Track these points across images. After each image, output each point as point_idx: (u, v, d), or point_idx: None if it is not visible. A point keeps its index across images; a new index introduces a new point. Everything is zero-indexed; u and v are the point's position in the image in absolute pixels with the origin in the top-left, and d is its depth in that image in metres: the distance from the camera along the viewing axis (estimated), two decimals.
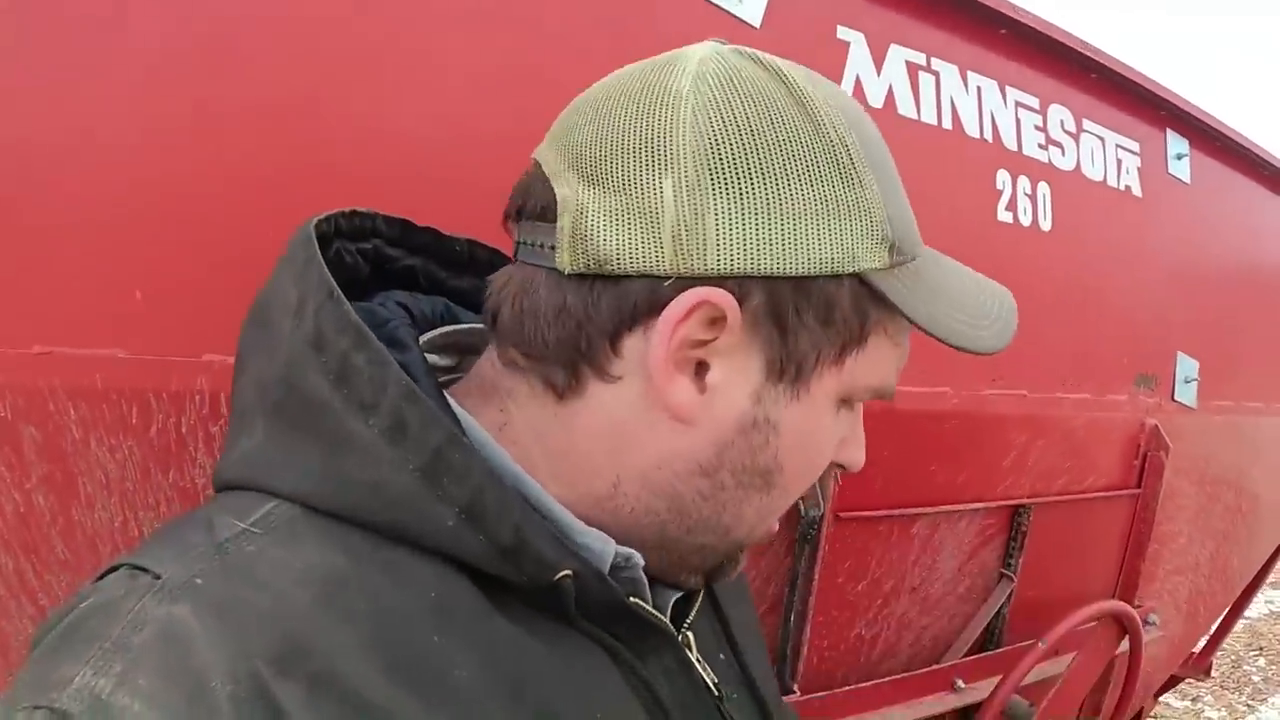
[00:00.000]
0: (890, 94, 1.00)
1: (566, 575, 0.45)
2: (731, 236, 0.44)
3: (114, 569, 0.42)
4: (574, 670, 0.47)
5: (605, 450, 0.48)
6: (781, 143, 0.45)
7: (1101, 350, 1.24)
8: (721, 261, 0.44)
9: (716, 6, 0.88)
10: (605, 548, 0.48)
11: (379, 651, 0.40)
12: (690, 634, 0.56)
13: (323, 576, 0.41)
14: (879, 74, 0.98)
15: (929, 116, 1.03)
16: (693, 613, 0.56)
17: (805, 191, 0.45)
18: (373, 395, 0.44)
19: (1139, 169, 1.28)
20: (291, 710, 0.36)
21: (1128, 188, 1.27)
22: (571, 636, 0.47)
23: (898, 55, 1.00)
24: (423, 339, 0.54)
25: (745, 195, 0.44)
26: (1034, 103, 1.14)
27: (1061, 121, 1.18)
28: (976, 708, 1.05)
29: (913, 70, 1.01)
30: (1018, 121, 1.12)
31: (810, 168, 0.45)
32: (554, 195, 0.46)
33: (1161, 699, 3.08)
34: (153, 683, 0.35)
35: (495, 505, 0.44)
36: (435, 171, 0.78)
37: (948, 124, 1.05)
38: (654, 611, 0.51)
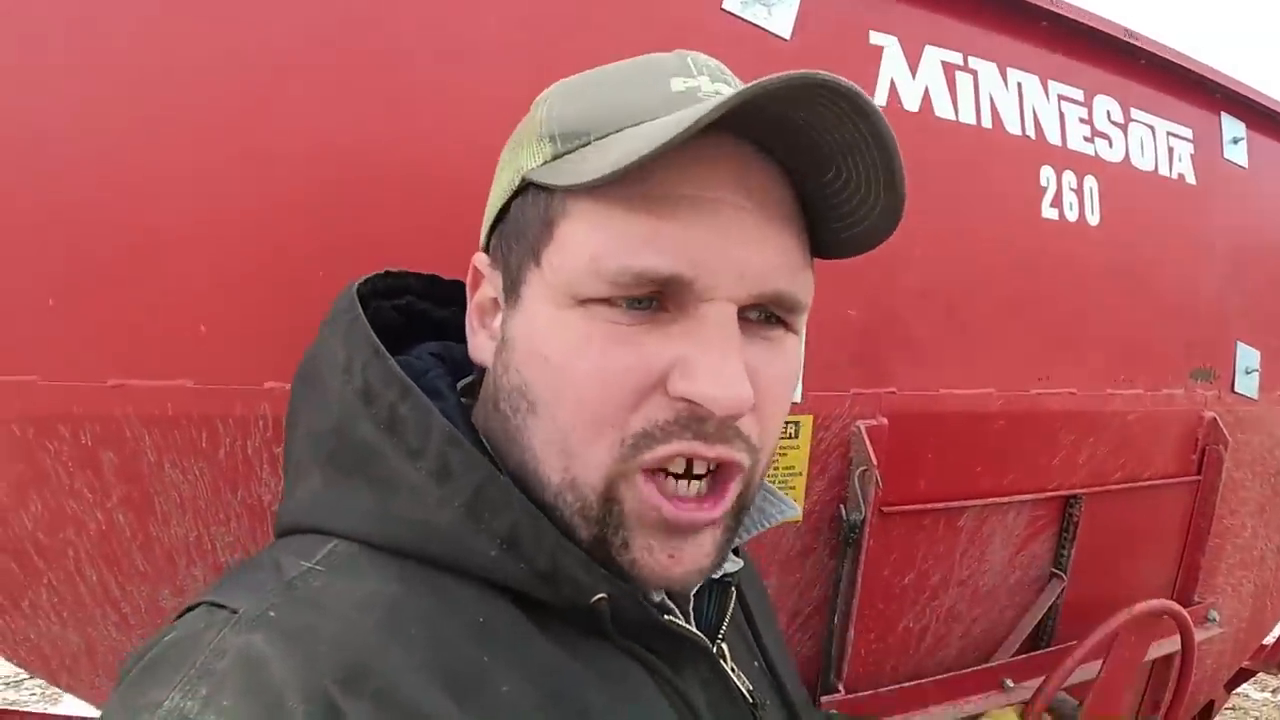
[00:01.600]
0: (926, 96, 0.99)
1: (602, 598, 0.48)
2: (487, 208, 0.55)
3: (193, 608, 0.46)
4: (612, 683, 0.49)
5: None
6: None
7: (1155, 344, 1.22)
8: (484, 231, 0.55)
9: (746, 22, 0.89)
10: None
11: (433, 670, 0.43)
12: (725, 645, 0.58)
13: (382, 604, 0.45)
14: (914, 77, 0.98)
15: (967, 116, 1.02)
16: (724, 624, 0.59)
17: (505, 157, 0.54)
18: (419, 441, 0.48)
19: (1192, 156, 1.25)
20: None
21: (1180, 176, 1.24)
22: (609, 652, 0.50)
23: (933, 56, 1.00)
24: (460, 384, 0.58)
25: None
26: (1078, 95, 1.12)
27: (1108, 112, 1.16)
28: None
29: (949, 70, 1.01)
30: (1061, 115, 1.10)
31: (522, 128, 0.53)
32: None
33: (1240, 691, 3.00)
34: (236, 703, 0.39)
35: (531, 535, 0.47)
36: (474, 203, 0.80)
37: (987, 123, 1.04)
38: (687, 626, 0.53)
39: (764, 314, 0.49)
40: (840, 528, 0.92)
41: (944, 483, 1.04)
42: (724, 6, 0.89)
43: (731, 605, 0.60)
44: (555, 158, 0.49)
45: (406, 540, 0.47)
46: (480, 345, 0.54)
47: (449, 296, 0.64)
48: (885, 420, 0.93)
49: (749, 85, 0.40)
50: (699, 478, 0.48)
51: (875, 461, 0.90)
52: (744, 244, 0.46)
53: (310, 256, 0.76)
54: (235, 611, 0.43)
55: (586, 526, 0.48)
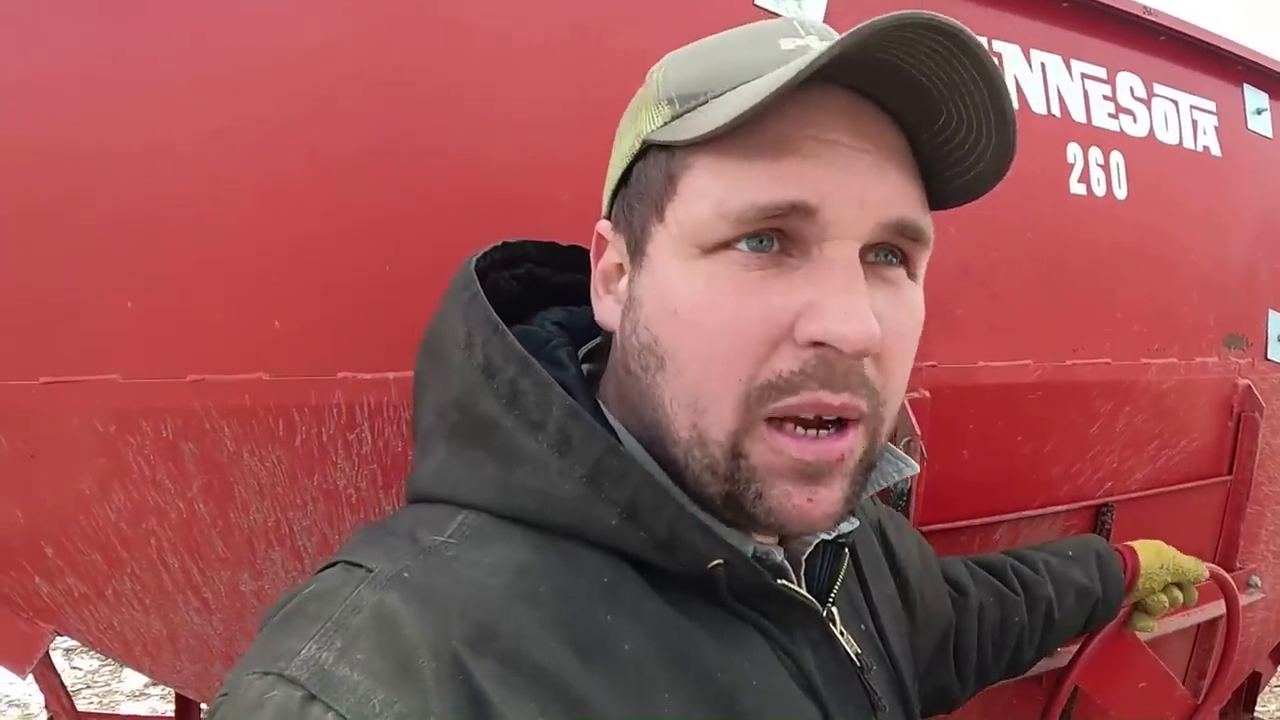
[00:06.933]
0: None
1: (718, 564, 0.49)
2: (607, 181, 0.57)
3: (330, 565, 0.49)
4: (728, 644, 0.51)
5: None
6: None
7: (1187, 313, 1.24)
8: (606, 201, 0.57)
9: (778, 16, 0.92)
10: (744, 545, 0.53)
11: (559, 628, 0.45)
12: (834, 609, 0.60)
13: (511, 567, 0.47)
14: None
15: None
16: (835, 587, 0.60)
17: (628, 119, 0.56)
18: (540, 415, 0.50)
19: (1216, 128, 1.27)
20: (484, 683, 0.41)
21: (1205, 148, 1.26)
22: (724, 616, 0.52)
23: None
24: (583, 350, 0.60)
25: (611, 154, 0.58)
26: (1100, 73, 1.15)
27: (1131, 88, 1.18)
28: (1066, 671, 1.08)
29: None
30: (1085, 93, 1.13)
31: (639, 98, 0.55)
32: None
33: None
34: (369, 657, 0.41)
35: (651, 504, 0.49)
36: (526, 197, 0.84)
37: (1014, 104, 1.07)
38: (799, 590, 0.55)
39: (884, 253, 0.50)
40: (889, 494, 0.95)
41: (986, 453, 1.06)
42: (756, 2, 0.93)
43: (844, 568, 0.61)
44: (674, 118, 0.50)
45: (530, 510, 0.49)
46: (606, 309, 0.56)
47: (568, 262, 0.66)
48: (927, 393, 0.96)
49: (855, 30, 0.41)
50: (824, 427, 0.49)
51: (919, 432, 0.93)
52: (864, 177, 0.47)
53: (375, 253, 0.81)
54: (371, 570, 0.46)
55: (716, 483, 0.49)
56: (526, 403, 0.50)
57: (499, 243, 0.62)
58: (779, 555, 0.54)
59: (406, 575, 0.45)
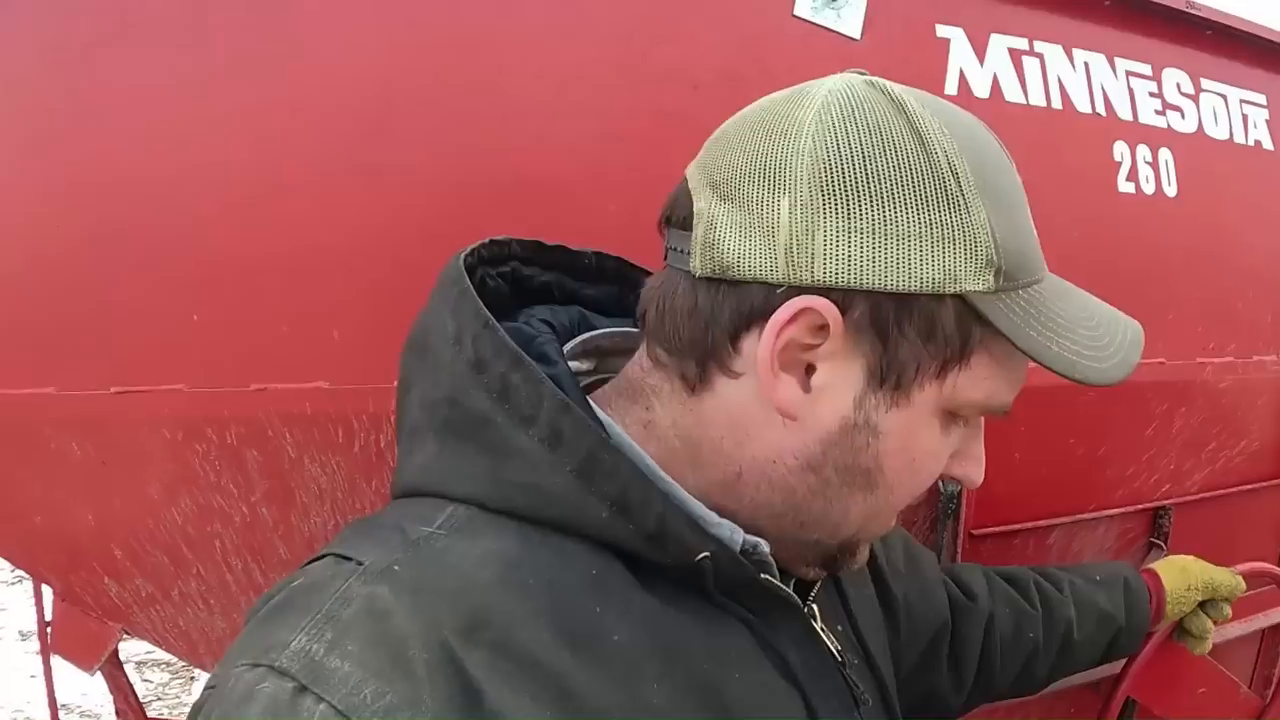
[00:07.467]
0: (995, 83, 1.02)
1: (705, 556, 0.51)
2: (837, 252, 0.48)
3: (320, 558, 0.50)
4: (714, 637, 0.53)
5: (729, 441, 0.53)
6: (891, 168, 0.48)
7: (1243, 311, 1.21)
8: (827, 274, 0.48)
9: (817, 25, 0.93)
10: (734, 536, 0.53)
11: (549, 620, 0.46)
12: (814, 606, 0.61)
13: (501, 559, 0.48)
14: (982, 64, 1.01)
15: (1037, 99, 1.04)
16: (816, 586, 0.61)
17: (909, 214, 0.48)
18: (531, 409, 0.50)
19: (1267, 121, 1.24)
20: (476, 673, 0.43)
21: (1257, 142, 1.23)
22: (710, 609, 0.53)
23: (999, 44, 1.02)
24: (565, 348, 0.60)
25: (853, 216, 0.48)
26: (1146, 70, 1.13)
27: (1178, 84, 1.16)
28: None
29: (1016, 56, 1.03)
30: (1130, 91, 1.12)
31: (916, 192, 0.48)
32: (693, 207, 0.52)
33: None
34: (361, 649, 0.42)
35: (640, 498, 0.50)
36: (575, 209, 0.86)
37: (1057, 104, 1.06)
38: (781, 586, 0.56)
39: None
40: (938, 500, 0.94)
41: (1039, 455, 1.05)
42: (795, 13, 0.94)
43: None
44: (998, 291, 0.50)
45: (521, 503, 0.50)
46: (790, 398, 0.51)
47: (551, 262, 0.65)
48: None
49: (1121, 366, 0.54)
50: None
51: None
52: None
53: (430, 264, 0.82)
54: (361, 563, 0.47)
55: (823, 550, 0.58)
56: (518, 397, 0.50)
57: (486, 240, 0.61)
58: (766, 547, 0.55)
59: (397, 568, 0.46)
